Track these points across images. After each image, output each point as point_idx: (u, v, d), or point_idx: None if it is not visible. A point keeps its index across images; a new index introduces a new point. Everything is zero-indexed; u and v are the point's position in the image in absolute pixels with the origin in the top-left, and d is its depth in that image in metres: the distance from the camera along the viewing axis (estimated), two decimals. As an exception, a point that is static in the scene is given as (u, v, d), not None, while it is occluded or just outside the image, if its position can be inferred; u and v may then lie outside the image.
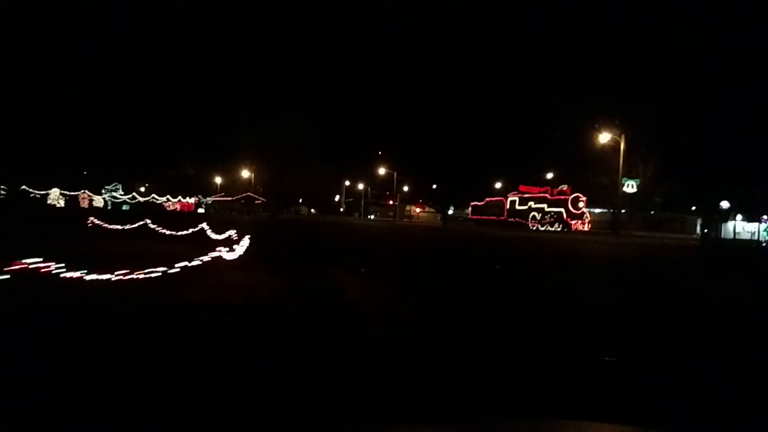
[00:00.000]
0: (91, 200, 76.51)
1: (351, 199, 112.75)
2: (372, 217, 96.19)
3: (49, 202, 72.39)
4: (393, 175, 74.77)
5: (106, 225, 14.25)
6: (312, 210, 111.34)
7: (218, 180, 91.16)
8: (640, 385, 2.50)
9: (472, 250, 20.84)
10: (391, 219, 77.69)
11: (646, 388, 2.47)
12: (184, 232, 13.27)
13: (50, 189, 73.44)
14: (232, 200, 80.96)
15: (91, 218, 14.21)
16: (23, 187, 68.60)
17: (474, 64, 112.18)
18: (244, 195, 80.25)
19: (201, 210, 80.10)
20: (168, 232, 13.53)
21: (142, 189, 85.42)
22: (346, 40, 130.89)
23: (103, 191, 79.93)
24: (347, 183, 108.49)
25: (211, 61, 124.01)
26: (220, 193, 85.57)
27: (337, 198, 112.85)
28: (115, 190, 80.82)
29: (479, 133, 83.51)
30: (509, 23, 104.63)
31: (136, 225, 14.05)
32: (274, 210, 73.88)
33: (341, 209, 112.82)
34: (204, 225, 12.94)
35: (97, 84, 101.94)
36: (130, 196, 79.37)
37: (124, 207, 76.99)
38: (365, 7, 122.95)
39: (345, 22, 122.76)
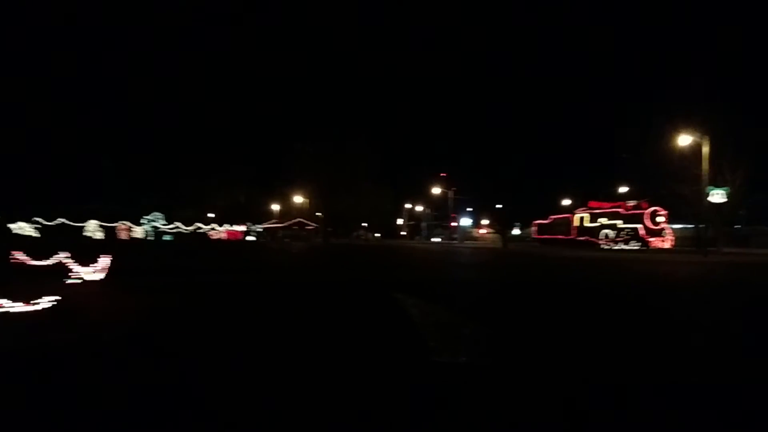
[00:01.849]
0: (130, 231, 76.04)
1: (413, 222, 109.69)
2: (438, 240, 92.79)
3: (85, 234, 72.34)
4: (449, 194, 70.83)
5: (28, 261, 11.29)
6: (377, 234, 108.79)
7: (276, 207, 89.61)
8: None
9: (528, 280, 16.84)
10: (452, 241, 74.01)
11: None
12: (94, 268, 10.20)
13: (88, 221, 73.58)
14: (283, 227, 78.96)
15: (14, 253, 11.35)
16: (61, 220, 68.87)
17: (534, 75, 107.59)
18: (295, 221, 78.09)
19: (250, 238, 78.35)
20: (80, 269, 10.41)
21: (212, 215, 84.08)
22: (402, 60, 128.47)
23: (143, 221, 79.18)
24: (408, 205, 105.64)
25: (268, 88, 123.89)
26: (272, 220, 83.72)
27: (400, 221, 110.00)
28: (155, 220, 79.88)
29: (542, 148, 79.02)
30: (568, 27, 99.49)
31: (51, 261, 11.09)
32: (327, 235, 71.12)
33: (403, 233, 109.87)
34: (106, 258, 9.89)
35: (145, 112, 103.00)
36: (173, 225, 78.29)
37: (166, 237, 76.06)
38: (422, 28, 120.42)
39: (399, 42, 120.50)
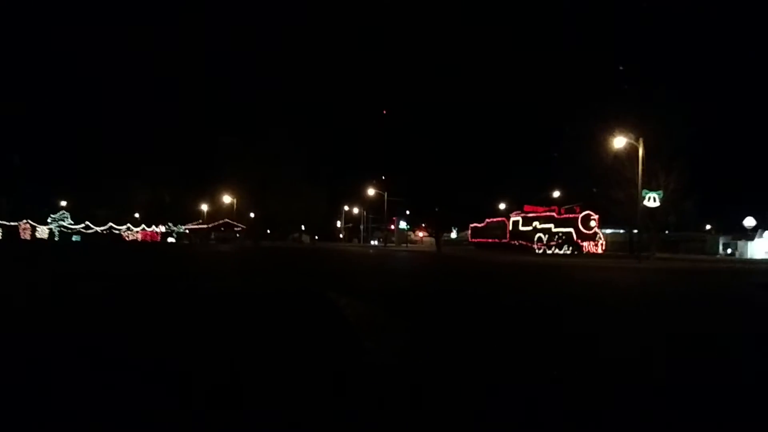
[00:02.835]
0: (33, 231, 70.70)
1: (350, 225, 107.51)
2: (375, 243, 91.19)
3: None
4: (384, 197, 69.08)
5: None
6: (316, 237, 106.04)
7: (204, 207, 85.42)
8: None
9: (448, 289, 15.08)
10: (389, 245, 72.46)
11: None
12: None
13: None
14: (209, 228, 75.20)
15: None
16: None
17: (471, 77, 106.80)
18: (222, 222, 74.49)
19: (171, 240, 74.37)
20: None
21: (137, 216, 79.07)
22: (337, 56, 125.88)
23: (49, 220, 73.79)
24: (346, 208, 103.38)
25: (197, 78, 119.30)
26: (198, 221, 79.71)
27: (339, 224, 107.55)
28: (63, 219, 74.59)
29: (479, 151, 78.07)
30: (504, 33, 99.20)
31: None
32: (257, 237, 68.12)
33: (340, 235, 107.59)
34: None
35: (66, 108, 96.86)
36: (82, 225, 73.23)
37: (74, 237, 71.33)
38: (359, 23, 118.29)
39: (336, 36, 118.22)
